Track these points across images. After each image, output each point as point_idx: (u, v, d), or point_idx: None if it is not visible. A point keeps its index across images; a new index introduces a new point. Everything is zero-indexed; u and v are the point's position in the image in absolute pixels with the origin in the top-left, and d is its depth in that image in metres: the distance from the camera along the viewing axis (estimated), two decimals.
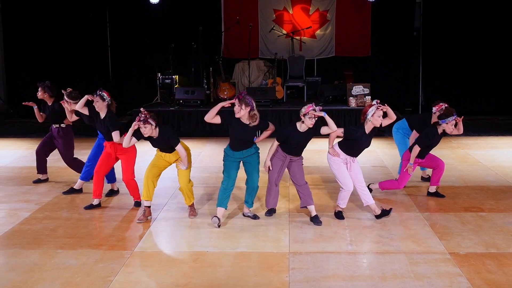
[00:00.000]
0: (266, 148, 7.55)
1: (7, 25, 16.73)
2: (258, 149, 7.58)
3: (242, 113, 7.21)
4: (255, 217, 7.75)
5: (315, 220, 7.50)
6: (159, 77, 15.05)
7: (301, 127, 7.40)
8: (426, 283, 5.73)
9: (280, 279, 5.86)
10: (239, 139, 7.37)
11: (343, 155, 7.57)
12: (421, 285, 5.69)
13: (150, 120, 7.30)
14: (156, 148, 7.76)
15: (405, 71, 16.51)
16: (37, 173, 9.70)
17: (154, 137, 7.51)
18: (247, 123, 7.29)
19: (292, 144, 7.46)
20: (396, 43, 16.25)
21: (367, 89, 14.40)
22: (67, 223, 7.61)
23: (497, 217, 7.72)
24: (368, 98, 14.09)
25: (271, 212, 7.90)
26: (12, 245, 6.85)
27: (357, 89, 14.37)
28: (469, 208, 8.15)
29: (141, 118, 7.29)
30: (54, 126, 9.39)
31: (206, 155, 11.92)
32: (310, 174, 9.83)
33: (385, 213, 7.70)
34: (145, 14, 16.10)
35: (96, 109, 8.09)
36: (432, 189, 8.73)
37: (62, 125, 9.36)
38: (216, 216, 7.40)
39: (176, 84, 15.41)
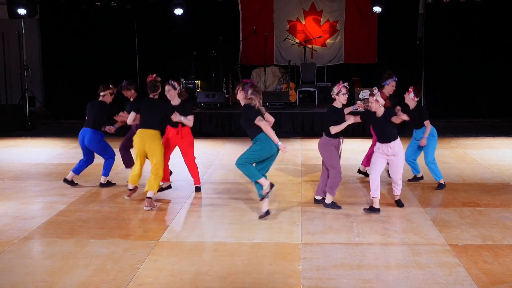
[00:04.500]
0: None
1: (45, 34, 16.89)
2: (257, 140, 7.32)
3: (239, 96, 7.47)
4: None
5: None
6: (182, 82, 15.07)
7: (338, 104, 7.75)
8: (427, 272, 5.71)
9: (293, 267, 5.86)
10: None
11: (333, 140, 7.66)
12: (423, 274, 5.66)
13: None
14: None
15: (409, 77, 16.41)
16: (125, 167, 9.43)
17: None
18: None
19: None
20: (400, 51, 16.20)
21: None
22: (98, 215, 7.66)
23: (493, 212, 7.67)
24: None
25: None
26: (49, 234, 6.91)
27: (364, 93, 14.06)
28: (467, 203, 8.09)
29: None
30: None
31: (226, 154, 11.91)
32: (319, 172, 9.81)
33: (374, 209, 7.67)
34: (169, 25, 16.20)
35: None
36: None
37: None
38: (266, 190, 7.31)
39: (198, 89, 15.45)
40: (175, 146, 8.48)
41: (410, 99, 8.70)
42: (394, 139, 7.54)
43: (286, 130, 13.99)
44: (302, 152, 12.04)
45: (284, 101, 14.47)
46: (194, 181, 8.67)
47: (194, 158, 8.54)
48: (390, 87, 9.05)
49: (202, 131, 13.84)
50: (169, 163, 8.56)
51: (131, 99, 8.92)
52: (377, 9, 15.38)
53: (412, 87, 8.75)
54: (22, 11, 15.15)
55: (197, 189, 8.64)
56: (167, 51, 16.42)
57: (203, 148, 12.18)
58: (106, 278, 5.59)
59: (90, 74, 16.11)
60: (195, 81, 15.37)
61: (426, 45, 16.47)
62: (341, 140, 7.75)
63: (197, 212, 7.80)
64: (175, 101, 8.23)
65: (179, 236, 6.95)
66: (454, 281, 5.48)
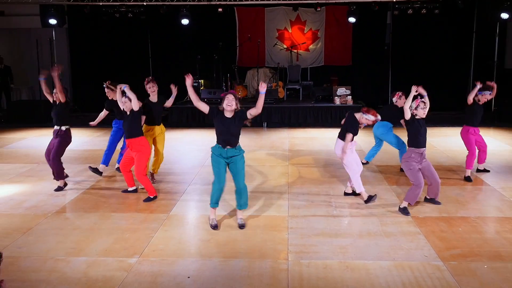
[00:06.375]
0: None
1: (72, 40, 16.79)
2: (243, 151, 6.21)
3: (234, 106, 5.91)
4: (241, 226, 6.18)
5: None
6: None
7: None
8: (393, 239, 5.74)
9: (281, 236, 5.88)
10: (223, 133, 5.99)
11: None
12: (389, 241, 5.69)
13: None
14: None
15: (378, 76, 16.43)
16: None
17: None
18: (229, 116, 5.97)
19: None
20: (371, 55, 16.18)
21: (348, 90, 14.36)
22: (118, 193, 7.64)
23: (448, 189, 7.69)
24: (349, 97, 14.08)
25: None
26: (77, 209, 6.91)
27: (341, 90, 14.31)
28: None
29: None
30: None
31: None
32: (303, 156, 9.81)
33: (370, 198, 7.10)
34: (178, 32, 16.11)
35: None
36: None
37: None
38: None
39: (202, 87, 15.40)
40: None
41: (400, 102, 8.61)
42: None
43: (275, 121, 14.02)
44: (289, 139, 12.03)
45: (274, 97, 14.46)
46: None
47: (144, 172, 7.18)
48: (483, 98, 8.32)
49: (205, 122, 13.82)
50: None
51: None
52: (352, 19, 15.35)
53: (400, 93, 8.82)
54: (53, 21, 15.09)
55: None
56: (176, 55, 16.36)
57: (207, 137, 12.14)
58: (125, 245, 5.61)
59: (111, 74, 16.02)
60: (200, 80, 15.31)
61: (393, 49, 16.43)
62: None
63: (201, 190, 7.79)
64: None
65: (186, 210, 6.96)
66: (416, 247, 5.52)
